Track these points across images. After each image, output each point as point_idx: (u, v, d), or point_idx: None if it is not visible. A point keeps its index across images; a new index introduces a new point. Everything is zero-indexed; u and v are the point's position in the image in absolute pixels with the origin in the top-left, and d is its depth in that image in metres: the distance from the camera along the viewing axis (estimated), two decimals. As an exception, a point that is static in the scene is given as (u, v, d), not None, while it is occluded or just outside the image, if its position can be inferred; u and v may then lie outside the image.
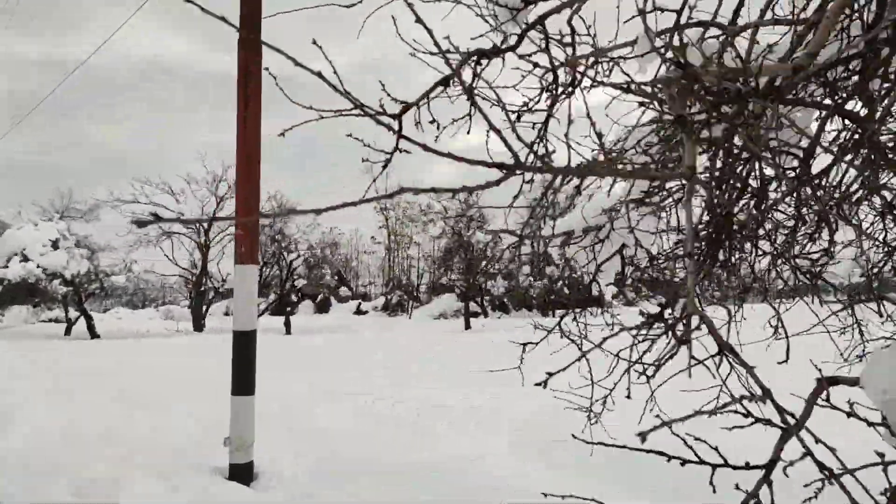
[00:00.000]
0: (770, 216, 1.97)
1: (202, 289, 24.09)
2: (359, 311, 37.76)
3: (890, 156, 1.60)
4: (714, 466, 1.07)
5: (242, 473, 4.17)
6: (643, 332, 1.86)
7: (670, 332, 1.71)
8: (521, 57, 1.85)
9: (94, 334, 21.20)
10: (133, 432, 5.35)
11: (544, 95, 1.98)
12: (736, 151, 1.79)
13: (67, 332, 23.18)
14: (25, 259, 20.69)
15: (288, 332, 21.44)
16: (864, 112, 1.49)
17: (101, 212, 23.27)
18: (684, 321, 1.51)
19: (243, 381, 4.25)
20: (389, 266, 42.11)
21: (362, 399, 7.13)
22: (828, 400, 1.08)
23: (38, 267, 20.53)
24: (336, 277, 33.95)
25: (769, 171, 1.82)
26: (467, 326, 23.11)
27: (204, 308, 24.18)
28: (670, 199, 2.07)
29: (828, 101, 1.52)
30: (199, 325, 23.30)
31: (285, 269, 22.24)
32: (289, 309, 21.96)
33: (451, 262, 27.57)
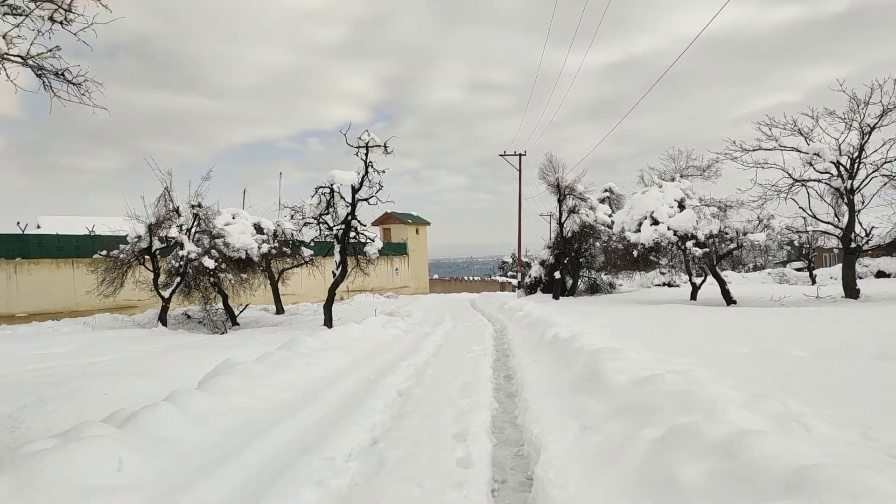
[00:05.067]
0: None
1: (851, 245, 18.92)
2: None
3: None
4: None
5: None
6: None
7: None
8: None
9: (729, 300, 19.10)
10: None
11: None
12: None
13: (693, 296, 22.06)
14: (655, 222, 20.28)
15: None
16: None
17: (720, 167, 21.07)
18: None
19: None
20: None
21: None
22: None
23: (668, 229, 19.79)
24: None
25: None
26: None
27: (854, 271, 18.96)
28: None
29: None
30: (852, 292, 18.30)
31: None
32: None
33: None
